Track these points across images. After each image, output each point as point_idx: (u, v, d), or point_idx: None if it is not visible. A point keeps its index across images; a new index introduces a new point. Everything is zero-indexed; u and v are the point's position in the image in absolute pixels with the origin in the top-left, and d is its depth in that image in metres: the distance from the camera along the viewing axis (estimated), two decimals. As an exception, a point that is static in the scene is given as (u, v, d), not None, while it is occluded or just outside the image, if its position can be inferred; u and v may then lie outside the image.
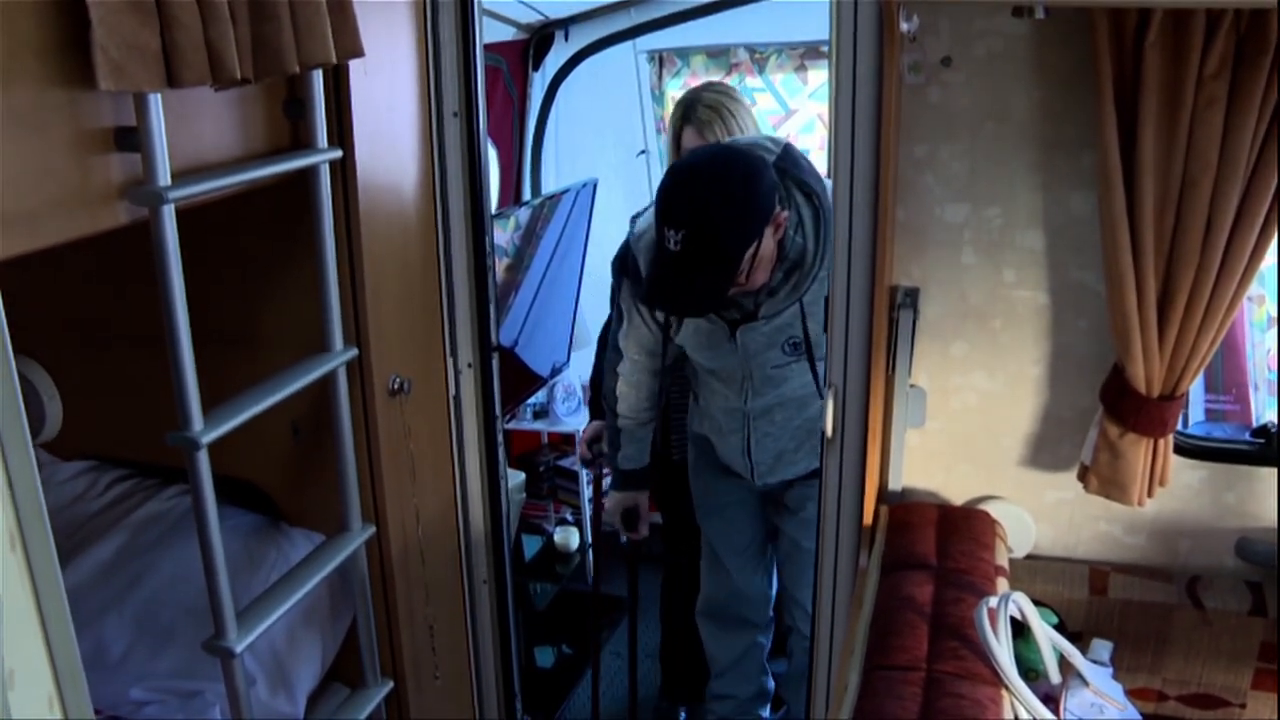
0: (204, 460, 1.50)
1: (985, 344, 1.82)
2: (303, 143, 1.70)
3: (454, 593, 2.31)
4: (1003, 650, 1.39)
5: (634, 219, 2.33)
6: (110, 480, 2.23)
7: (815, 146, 3.77)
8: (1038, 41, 1.65)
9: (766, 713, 2.87)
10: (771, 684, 2.85)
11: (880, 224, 1.71)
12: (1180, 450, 1.78)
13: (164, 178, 1.35)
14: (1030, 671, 1.47)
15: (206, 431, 1.49)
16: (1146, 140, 1.52)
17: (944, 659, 1.43)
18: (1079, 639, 1.58)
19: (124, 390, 2.06)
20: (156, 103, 1.32)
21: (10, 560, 1.01)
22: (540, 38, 3.82)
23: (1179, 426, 1.74)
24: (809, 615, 2.11)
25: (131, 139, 1.33)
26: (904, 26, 1.59)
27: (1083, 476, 1.77)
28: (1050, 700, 1.44)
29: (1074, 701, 1.44)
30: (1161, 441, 1.70)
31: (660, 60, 3.82)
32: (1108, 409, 1.70)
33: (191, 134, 1.48)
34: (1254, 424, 2.25)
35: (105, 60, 1.19)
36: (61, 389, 2.15)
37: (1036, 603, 1.50)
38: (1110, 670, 1.54)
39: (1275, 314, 2.95)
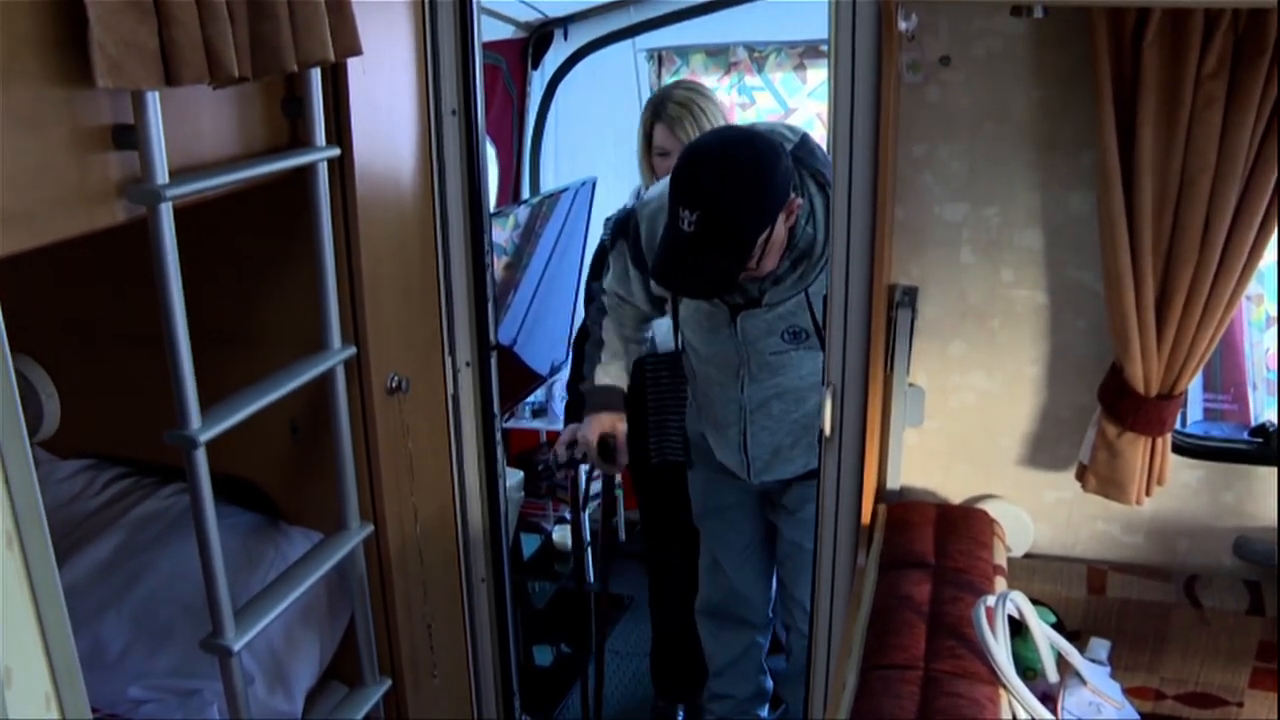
0: (202, 459, 1.50)
1: (984, 343, 1.83)
2: (301, 141, 1.69)
3: (452, 591, 2.30)
4: (1000, 649, 1.39)
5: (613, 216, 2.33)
6: (108, 479, 2.23)
7: (816, 145, 3.77)
8: (1036, 41, 1.65)
9: (765, 712, 2.87)
10: (770, 683, 2.85)
11: (879, 223, 1.71)
12: (1178, 449, 1.78)
13: (162, 176, 1.35)
14: (1028, 670, 1.47)
15: (204, 430, 1.49)
16: (1145, 140, 1.52)
17: (942, 658, 1.43)
18: (1077, 638, 1.58)
19: (122, 389, 2.06)
20: (154, 101, 1.32)
21: (7, 558, 1.01)
22: (539, 36, 3.82)
23: (1177, 425, 1.75)
24: (809, 614, 2.11)
25: (129, 137, 1.33)
26: (902, 25, 1.60)
27: (1081, 475, 1.77)
28: (1048, 699, 1.44)
29: (1072, 700, 1.44)
30: (1160, 440, 1.70)
31: (659, 59, 3.82)
32: (1106, 408, 1.70)
33: (189, 132, 1.48)
34: (1252, 423, 2.26)
35: (103, 58, 1.19)
36: (59, 387, 2.15)
37: (1034, 602, 1.50)
38: (1108, 669, 1.54)
39: (1274, 313, 2.95)
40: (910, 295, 1.81)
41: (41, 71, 1.21)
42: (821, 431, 1.89)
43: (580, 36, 3.82)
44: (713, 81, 3.83)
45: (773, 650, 2.84)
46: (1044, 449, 1.86)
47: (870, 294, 1.75)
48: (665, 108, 2.55)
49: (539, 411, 3.90)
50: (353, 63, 1.72)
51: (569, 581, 3.58)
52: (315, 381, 1.75)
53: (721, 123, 2.55)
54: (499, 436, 2.29)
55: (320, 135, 1.69)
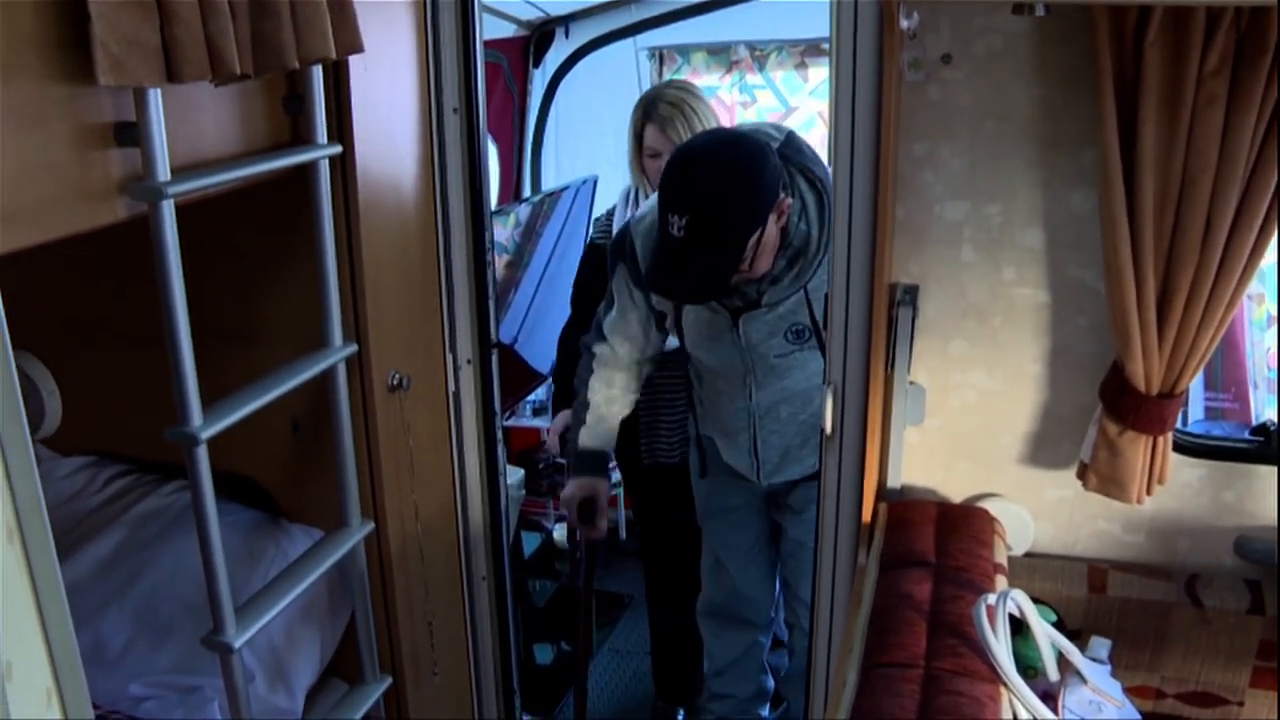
0: (203, 456, 1.50)
1: (985, 341, 1.82)
2: (302, 138, 1.69)
3: (453, 589, 2.31)
4: (1001, 648, 1.39)
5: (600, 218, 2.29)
6: (109, 476, 2.23)
7: (816, 144, 3.76)
8: (1038, 39, 1.65)
9: (766, 712, 2.87)
10: (771, 683, 2.85)
11: (880, 221, 1.71)
12: (1179, 448, 1.78)
13: (164, 173, 1.35)
14: (1029, 669, 1.47)
15: (206, 427, 1.49)
16: (1147, 138, 1.52)
17: (942, 656, 1.43)
18: (1077, 637, 1.58)
19: (123, 386, 2.06)
20: (156, 98, 1.32)
21: (9, 554, 1.01)
22: (541, 34, 3.83)
23: (1178, 424, 1.74)
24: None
25: (131, 134, 1.33)
26: (904, 24, 1.59)
27: (1082, 474, 1.77)
28: (1049, 698, 1.44)
29: (1072, 699, 1.44)
30: (1161, 439, 1.70)
31: (661, 57, 3.82)
32: (1107, 407, 1.70)
33: (191, 129, 1.48)
34: (1253, 422, 2.26)
35: (105, 55, 1.19)
36: (61, 384, 2.14)
37: (1035, 600, 1.50)
38: (1109, 668, 1.54)
39: (1275, 312, 2.96)
40: (911, 294, 1.81)
41: (43, 69, 1.21)
42: (822, 430, 1.89)
43: (581, 35, 3.82)
44: (714, 80, 3.84)
45: (772, 648, 2.84)
46: (1045, 448, 1.85)
47: (871, 292, 1.75)
48: (656, 108, 2.52)
49: (540, 410, 3.90)
50: (354, 60, 1.72)
51: (569, 580, 3.59)
52: (316, 379, 1.75)
53: (713, 123, 2.54)
54: (500, 434, 2.29)
55: (322, 133, 1.69)
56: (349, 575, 1.95)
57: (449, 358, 2.18)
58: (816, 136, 3.75)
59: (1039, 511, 1.88)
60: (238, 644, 1.59)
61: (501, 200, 3.74)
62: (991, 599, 1.45)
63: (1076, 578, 1.82)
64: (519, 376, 3.27)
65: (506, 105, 3.80)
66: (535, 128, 3.95)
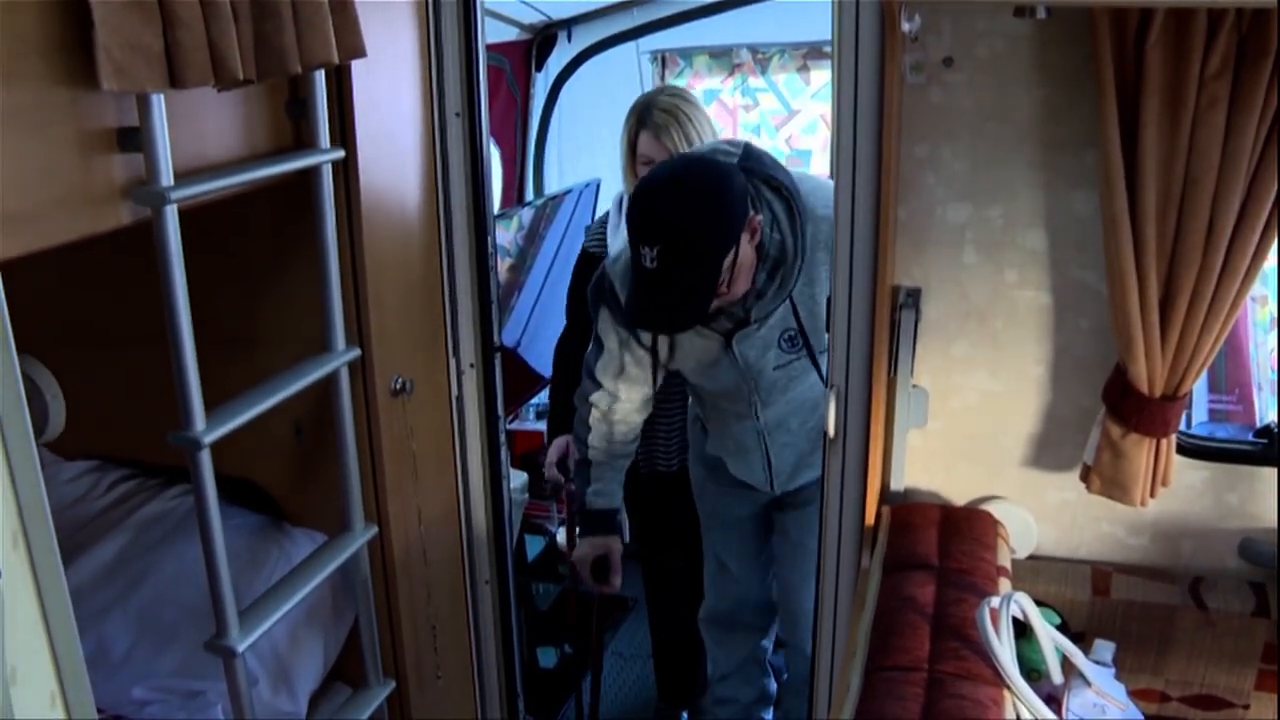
0: (206, 460, 1.50)
1: (987, 344, 1.82)
2: (305, 143, 1.70)
3: (456, 593, 2.31)
4: (1005, 651, 1.39)
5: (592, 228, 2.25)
6: (113, 480, 2.23)
7: (818, 147, 3.78)
8: (1040, 42, 1.65)
9: (769, 715, 2.86)
10: (774, 686, 2.84)
11: (882, 224, 1.71)
12: (1183, 450, 1.78)
13: (166, 178, 1.36)
14: (1032, 672, 1.46)
15: (209, 431, 1.49)
16: (1148, 140, 1.52)
17: (946, 659, 1.43)
18: (1081, 639, 1.58)
19: (127, 390, 2.06)
20: (159, 103, 1.32)
21: (13, 558, 1.01)
22: (543, 38, 3.83)
23: (1181, 427, 1.74)
24: (813, 623, 2.10)
25: (134, 139, 1.33)
26: (906, 27, 1.60)
27: (1085, 477, 1.77)
28: (1053, 701, 1.44)
29: (1076, 702, 1.44)
30: (1164, 442, 1.70)
31: (663, 61, 3.83)
32: (1110, 409, 1.70)
33: (194, 134, 1.48)
34: (1257, 424, 2.26)
35: (108, 60, 1.19)
36: (65, 389, 2.15)
37: (1039, 603, 1.50)
38: (1113, 671, 1.54)
39: (1278, 315, 2.95)
40: (913, 296, 1.81)
41: (46, 74, 1.22)
42: (825, 433, 1.88)
43: (584, 38, 3.83)
44: (716, 83, 3.84)
45: (775, 649, 2.84)
46: (1048, 450, 1.85)
47: (873, 295, 1.75)
48: (651, 115, 2.46)
49: (543, 413, 3.89)
50: (357, 65, 1.72)
51: (572, 583, 3.58)
52: (319, 383, 1.75)
53: (708, 130, 2.49)
54: (503, 438, 2.29)
55: (324, 137, 1.69)
56: (352, 579, 1.95)
57: (452, 361, 2.18)
58: (819, 140, 3.77)
59: (1042, 514, 1.88)
60: (241, 648, 1.59)
61: (504, 204, 3.74)
62: (995, 602, 1.44)
63: (1080, 580, 1.81)
64: (522, 380, 3.27)
65: (509, 109, 3.80)
66: (538, 131, 3.95)
